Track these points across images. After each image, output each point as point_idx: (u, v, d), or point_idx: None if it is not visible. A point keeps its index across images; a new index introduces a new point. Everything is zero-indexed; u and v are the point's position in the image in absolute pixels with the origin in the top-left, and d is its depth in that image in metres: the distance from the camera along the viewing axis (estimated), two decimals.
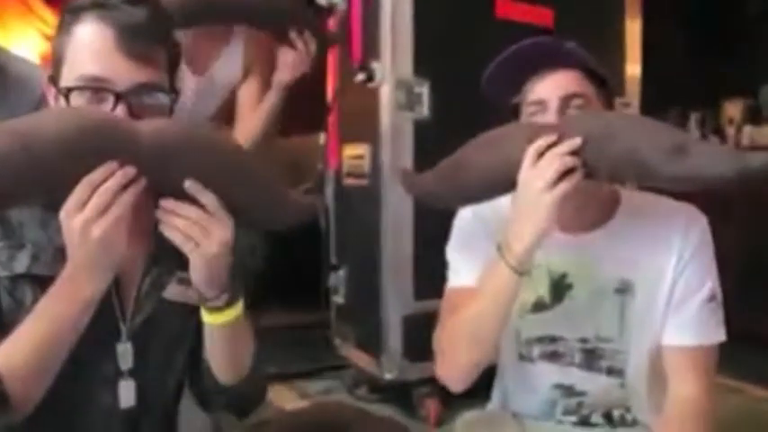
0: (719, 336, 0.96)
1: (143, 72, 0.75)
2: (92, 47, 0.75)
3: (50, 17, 2.67)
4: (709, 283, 0.96)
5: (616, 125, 0.86)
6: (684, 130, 3.01)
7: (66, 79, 0.76)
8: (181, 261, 0.78)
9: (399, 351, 1.59)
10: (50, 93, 0.81)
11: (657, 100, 2.07)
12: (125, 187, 0.69)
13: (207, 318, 0.78)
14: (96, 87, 0.74)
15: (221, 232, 0.73)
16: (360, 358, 1.72)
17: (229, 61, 1.54)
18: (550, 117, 0.92)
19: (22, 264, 0.77)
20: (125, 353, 0.82)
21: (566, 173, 0.83)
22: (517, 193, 0.87)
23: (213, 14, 1.42)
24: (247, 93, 1.54)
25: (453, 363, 0.98)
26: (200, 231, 0.72)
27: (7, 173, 0.66)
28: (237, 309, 0.79)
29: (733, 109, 2.98)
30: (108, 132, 0.70)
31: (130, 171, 0.69)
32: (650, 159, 0.81)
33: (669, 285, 0.95)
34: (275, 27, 1.47)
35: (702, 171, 0.79)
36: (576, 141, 0.83)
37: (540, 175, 0.83)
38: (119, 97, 0.74)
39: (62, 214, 0.69)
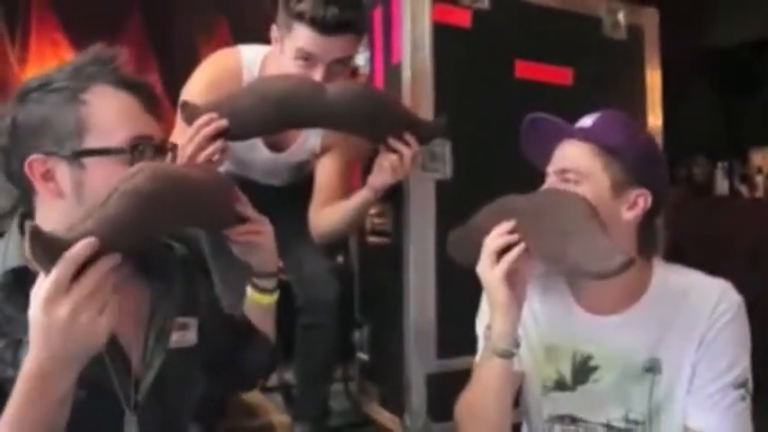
0: (745, 427, 0.91)
1: (162, 130, 0.87)
2: (129, 110, 0.83)
3: None
4: (738, 369, 0.91)
5: (546, 208, 0.93)
6: (711, 180, 3.01)
7: (106, 141, 0.80)
8: (178, 306, 0.88)
9: (423, 410, 1.57)
10: (44, 165, 0.79)
11: (683, 151, 2.06)
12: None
13: (261, 299, 1.06)
14: (151, 144, 0.84)
15: (269, 229, 1.01)
16: (383, 417, 1.71)
17: (309, 140, 1.57)
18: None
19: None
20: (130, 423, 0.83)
21: (505, 250, 0.90)
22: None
23: (300, 123, 1.37)
24: (326, 167, 1.55)
25: None
26: (262, 235, 0.99)
27: None
28: (276, 294, 1.07)
29: (760, 158, 2.96)
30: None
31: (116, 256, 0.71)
32: (554, 245, 0.89)
33: (691, 365, 0.93)
34: (371, 135, 1.40)
35: (582, 266, 0.87)
36: (508, 224, 0.91)
37: (485, 257, 0.91)
38: (158, 150, 0.85)
39: (41, 302, 0.64)
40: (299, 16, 1.32)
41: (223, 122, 1.23)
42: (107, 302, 0.68)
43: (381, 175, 1.39)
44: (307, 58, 1.34)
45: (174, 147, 0.91)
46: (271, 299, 1.07)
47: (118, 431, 0.83)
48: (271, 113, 1.28)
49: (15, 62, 3.02)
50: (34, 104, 0.80)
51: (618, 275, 0.83)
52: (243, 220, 0.98)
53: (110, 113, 0.81)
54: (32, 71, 3.14)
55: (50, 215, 0.81)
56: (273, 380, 2.02)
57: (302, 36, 1.33)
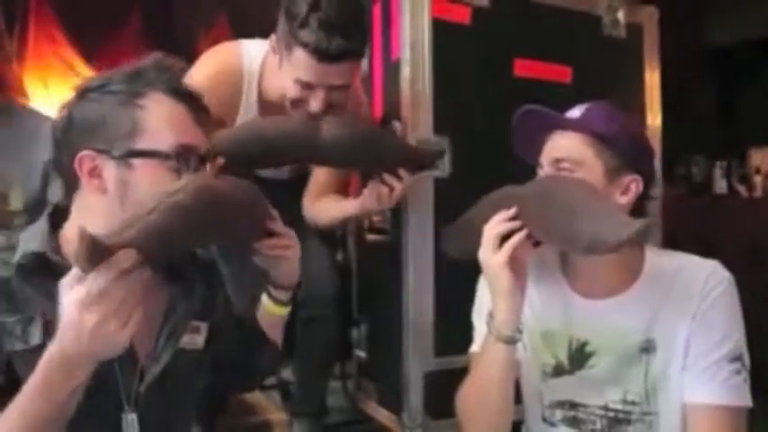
0: (743, 399, 0.92)
1: (207, 140, 0.90)
2: (180, 120, 0.86)
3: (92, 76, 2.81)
4: (731, 342, 0.93)
5: (552, 192, 0.94)
6: (710, 180, 3.01)
7: (155, 145, 0.84)
8: (194, 309, 0.91)
9: (421, 408, 1.57)
10: (93, 161, 0.83)
11: (681, 150, 2.06)
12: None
13: (275, 311, 1.07)
14: (196, 154, 0.87)
15: (296, 243, 1.03)
16: (381, 414, 1.71)
17: None
18: None
19: (35, 336, 0.79)
20: (132, 423, 0.85)
21: (507, 236, 0.91)
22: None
23: (295, 162, 1.42)
24: (323, 172, 1.60)
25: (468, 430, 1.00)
26: (291, 249, 1.01)
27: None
28: (289, 307, 1.10)
29: (759, 158, 2.96)
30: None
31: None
32: (573, 226, 0.89)
33: (684, 342, 0.95)
34: (367, 171, 1.45)
35: (600, 239, 0.86)
36: (510, 211, 0.93)
37: (486, 244, 0.92)
38: (202, 160, 0.87)
39: (77, 302, 0.68)
40: (303, 45, 1.29)
41: (220, 162, 1.23)
42: (132, 315, 0.72)
43: (369, 201, 1.43)
44: (305, 86, 1.34)
45: (215, 156, 0.94)
46: (285, 311, 1.09)
47: (117, 424, 0.84)
48: (266, 155, 1.33)
49: (14, 58, 3.01)
50: (92, 103, 0.84)
51: (638, 242, 0.86)
52: (271, 233, 1.00)
53: (162, 120, 0.85)
54: (31, 68, 3.14)
55: (90, 208, 0.86)
56: (271, 378, 2.02)
57: (301, 64, 1.31)
